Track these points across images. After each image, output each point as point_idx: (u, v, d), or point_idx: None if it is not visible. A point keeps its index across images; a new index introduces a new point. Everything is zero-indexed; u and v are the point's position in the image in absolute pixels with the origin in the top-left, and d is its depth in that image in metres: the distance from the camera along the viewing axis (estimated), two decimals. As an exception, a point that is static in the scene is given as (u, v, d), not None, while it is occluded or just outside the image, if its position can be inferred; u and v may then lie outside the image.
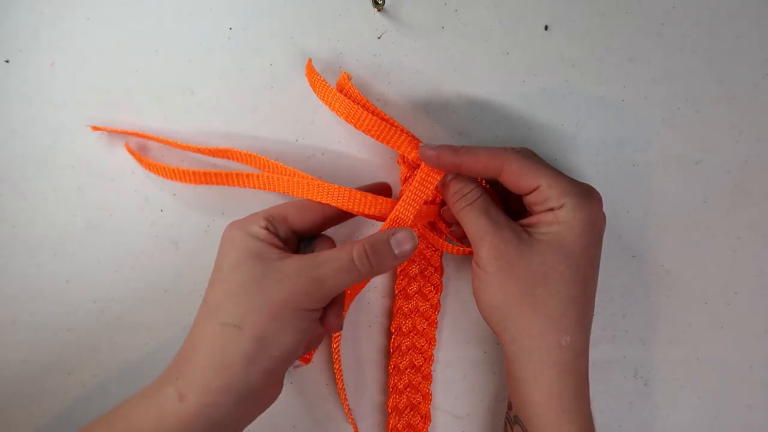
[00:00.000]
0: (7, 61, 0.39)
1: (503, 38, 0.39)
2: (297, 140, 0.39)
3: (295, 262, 0.32)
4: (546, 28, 0.39)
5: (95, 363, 0.39)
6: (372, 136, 0.35)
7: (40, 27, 0.39)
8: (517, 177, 0.33)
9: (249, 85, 0.39)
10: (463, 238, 0.37)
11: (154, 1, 0.39)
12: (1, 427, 0.39)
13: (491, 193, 0.37)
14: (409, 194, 0.35)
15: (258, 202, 0.39)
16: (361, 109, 0.35)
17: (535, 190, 0.33)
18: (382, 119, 0.36)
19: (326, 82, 0.36)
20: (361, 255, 0.32)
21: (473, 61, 0.39)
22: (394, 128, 0.35)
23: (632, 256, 0.40)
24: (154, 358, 0.39)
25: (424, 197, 0.35)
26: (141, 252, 0.39)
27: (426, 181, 0.35)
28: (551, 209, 0.33)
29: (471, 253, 0.36)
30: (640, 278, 0.40)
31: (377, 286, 0.40)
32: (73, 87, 0.39)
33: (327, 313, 0.34)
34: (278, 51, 0.39)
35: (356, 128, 0.35)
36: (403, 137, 0.35)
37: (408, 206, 0.35)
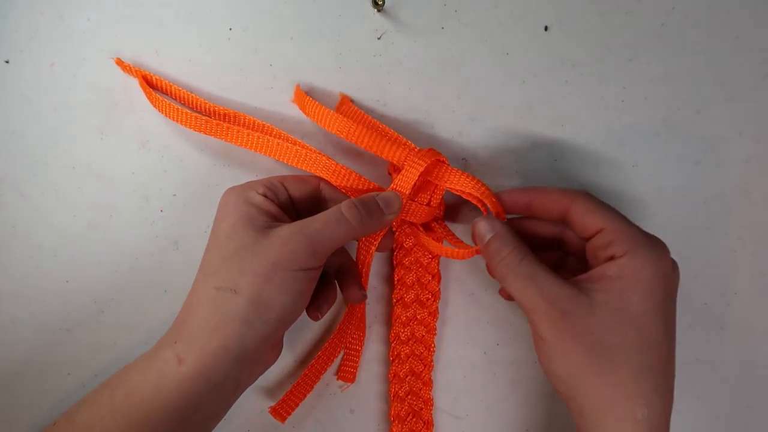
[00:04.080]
0: (7, 62, 0.39)
1: (503, 38, 0.39)
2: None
3: (287, 226, 0.32)
4: (546, 28, 0.39)
5: (95, 363, 0.39)
6: (366, 148, 0.36)
7: (40, 27, 0.39)
8: (583, 214, 0.32)
9: (249, 85, 0.39)
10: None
11: (154, 1, 0.39)
12: (1, 427, 0.39)
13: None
14: (396, 182, 0.35)
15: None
16: (353, 124, 0.35)
17: (599, 231, 0.31)
18: (376, 130, 0.36)
19: (316, 103, 0.37)
20: (350, 206, 0.33)
21: (473, 61, 0.39)
22: (388, 141, 0.35)
23: (632, 256, 0.40)
24: (154, 358, 0.39)
25: (411, 182, 0.35)
26: (141, 252, 0.39)
27: (412, 168, 0.35)
28: (613, 257, 0.31)
29: (468, 255, 0.35)
30: (640, 278, 0.40)
31: (371, 290, 0.40)
32: (73, 87, 0.39)
33: (344, 286, 0.36)
34: (278, 51, 0.39)
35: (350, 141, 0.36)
36: (395, 148, 0.35)
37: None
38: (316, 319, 0.36)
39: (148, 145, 0.39)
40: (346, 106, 0.38)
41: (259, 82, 0.39)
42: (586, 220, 0.32)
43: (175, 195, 0.39)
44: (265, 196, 0.33)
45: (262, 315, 0.31)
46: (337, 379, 0.39)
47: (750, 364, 0.40)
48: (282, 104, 0.39)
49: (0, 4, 0.39)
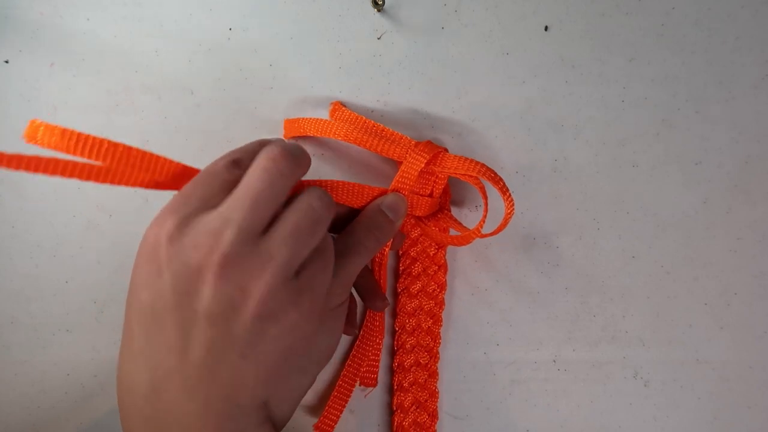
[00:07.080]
0: (6, 62, 0.39)
1: (503, 38, 0.39)
2: (297, 140, 0.39)
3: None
4: (546, 28, 0.39)
5: (95, 363, 0.39)
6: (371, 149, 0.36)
7: (40, 27, 0.39)
8: None
9: (249, 85, 0.39)
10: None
11: (154, 1, 0.39)
12: (1, 427, 0.39)
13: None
14: (397, 180, 0.35)
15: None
16: (350, 127, 0.35)
17: None
18: (373, 131, 0.36)
19: (309, 119, 0.37)
20: (367, 234, 0.33)
21: (473, 61, 0.39)
22: (386, 140, 0.35)
23: (632, 256, 0.40)
24: (154, 358, 0.39)
25: (412, 178, 0.35)
26: (141, 252, 0.39)
27: (411, 165, 0.35)
28: None
29: (469, 239, 0.35)
30: (640, 278, 0.40)
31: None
32: (73, 87, 0.39)
33: (365, 295, 0.37)
34: (278, 51, 0.39)
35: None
36: (394, 146, 0.35)
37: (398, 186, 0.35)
38: (353, 335, 0.37)
39: (148, 146, 0.39)
40: (339, 111, 0.38)
41: (259, 82, 0.39)
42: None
43: (175, 195, 0.39)
44: None
45: (314, 360, 0.32)
46: (359, 384, 0.39)
47: (750, 364, 0.40)
48: (282, 105, 0.39)
49: (0, 4, 0.39)
